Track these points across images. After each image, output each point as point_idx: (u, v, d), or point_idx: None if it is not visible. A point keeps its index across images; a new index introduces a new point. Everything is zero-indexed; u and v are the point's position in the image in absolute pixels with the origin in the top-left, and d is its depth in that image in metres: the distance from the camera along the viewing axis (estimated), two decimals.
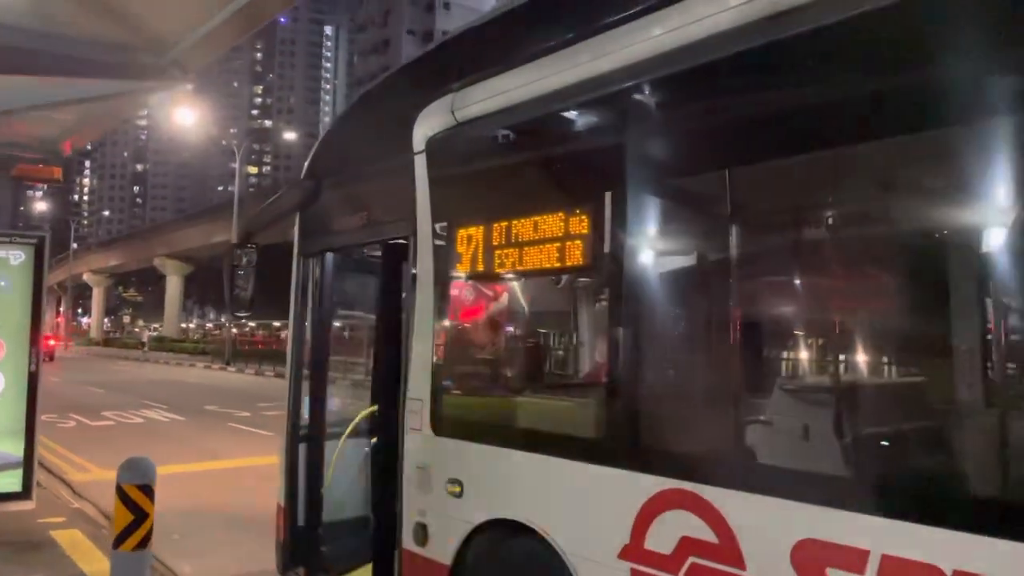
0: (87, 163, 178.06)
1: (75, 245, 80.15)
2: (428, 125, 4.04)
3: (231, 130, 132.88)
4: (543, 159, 3.61)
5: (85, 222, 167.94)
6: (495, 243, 3.66)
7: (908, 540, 2.18)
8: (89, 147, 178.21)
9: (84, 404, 18.09)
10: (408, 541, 3.94)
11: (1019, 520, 2.08)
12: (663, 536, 2.83)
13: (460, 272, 3.86)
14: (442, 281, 3.94)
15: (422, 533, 3.86)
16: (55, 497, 7.87)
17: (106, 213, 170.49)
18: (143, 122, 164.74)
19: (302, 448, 5.03)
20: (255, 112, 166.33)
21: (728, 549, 2.62)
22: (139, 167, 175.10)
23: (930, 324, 2.85)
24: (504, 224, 3.59)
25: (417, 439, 3.92)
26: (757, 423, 3.02)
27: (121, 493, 3.81)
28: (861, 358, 2.99)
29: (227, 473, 10.23)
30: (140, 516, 3.81)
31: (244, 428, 14.75)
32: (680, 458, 2.91)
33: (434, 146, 4.02)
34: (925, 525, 2.16)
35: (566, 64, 3.36)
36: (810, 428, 2.84)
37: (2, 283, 5.90)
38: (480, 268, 3.72)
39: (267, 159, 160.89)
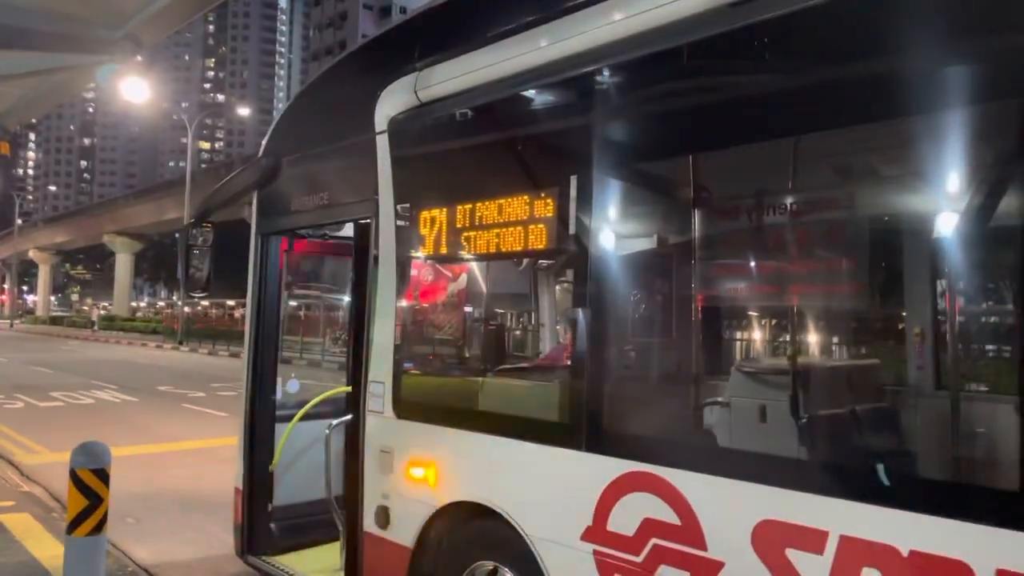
0: (31, 136, 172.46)
1: (20, 221, 77.71)
2: (390, 104, 4.00)
3: (182, 104, 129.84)
4: (506, 140, 3.58)
5: (30, 197, 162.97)
6: (456, 225, 3.63)
7: (866, 521, 2.20)
8: (34, 120, 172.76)
9: (32, 384, 17.67)
10: (370, 524, 3.92)
11: (975, 500, 2.12)
12: (625, 518, 2.82)
13: (421, 253, 3.84)
14: (403, 262, 3.92)
15: (384, 516, 3.84)
16: (3, 480, 7.69)
17: (52, 188, 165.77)
18: (91, 94, 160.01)
19: (259, 430, 5.02)
20: (207, 86, 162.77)
21: (690, 530, 2.63)
22: (87, 141, 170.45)
23: (879, 311, 2.94)
24: (466, 206, 3.57)
25: (378, 422, 3.91)
26: (716, 406, 3.05)
27: (75, 478, 3.73)
28: (816, 341, 3.06)
29: (182, 455, 10.07)
30: (95, 501, 3.74)
31: (198, 409, 14.54)
32: (642, 441, 2.92)
33: (396, 126, 3.98)
34: (882, 506, 2.18)
35: (530, 46, 3.34)
36: (767, 410, 2.89)
37: None
38: (442, 250, 3.71)
39: (220, 134, 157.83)
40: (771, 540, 2.41)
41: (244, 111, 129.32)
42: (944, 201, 2.61)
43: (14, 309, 75.68)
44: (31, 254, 78.57)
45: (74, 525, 3.73)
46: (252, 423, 5.03)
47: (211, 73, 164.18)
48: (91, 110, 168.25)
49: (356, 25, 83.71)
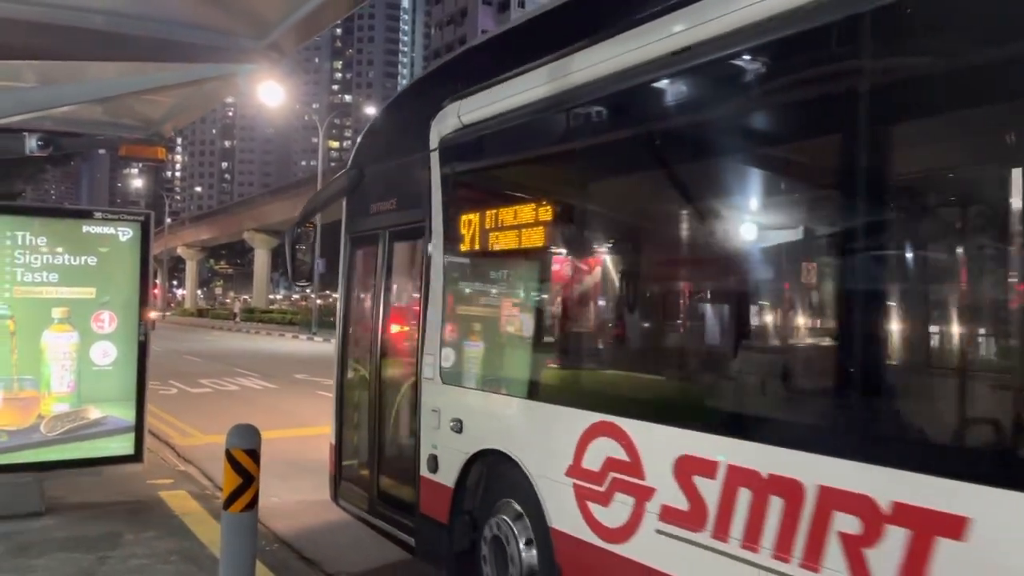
0: (179, 140, 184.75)
1: (169, 220, 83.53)
2: (441, 126, 4.86)
3: (313, 105, 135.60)
4: (527, 156, 4.32)
5: (178, 197, 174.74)
6: (488, 226, 4.51)
7: (746, 454, 2.91)
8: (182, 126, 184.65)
9: (183, 372, 18.99)
10: (424, 470, 4.83)
11: (803, 433, 2.80)
12: (593, 457, 3.61)
13: (462, 250, 4.73)
14: (449, 258, 4.81)
15: (433, 463, 4.74)
16: (162, 460, 8.33)
17: (198, 189, 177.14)
18: (231, 100, 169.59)
19: (348, 398, 6.08)
20: (335, 87, 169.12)
21: (635, 465, 3.41)
22: (227, 143, 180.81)
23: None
24: (497, 211, 4.43)
25: (430, 387, 4.83)
26: (656, 369, 3.84)
27: (230, 457, 3.99)
28: (713, 309, 3.75)
29: (320, 439, 10.57)
30: (248, 479, 3.99)
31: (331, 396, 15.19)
32: (604, 397, 3.74)
33: (445, 143, 4.83)
34: (757, 443, 2.88)
35: (537, 80, 4.07)
36: (686, 371, 3.71)
37: (104, 250, 6.22)
38: (477, 247, 4.61)
39: (348, 133, 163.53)
40: (684, 470, 3.17)
41: (370, 110, 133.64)
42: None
43: (165, 302, 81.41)
44: (179, 251, 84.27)
45: (230, 502, 3.99)
46: (342, 392, 6.12)
47: (339, 75, 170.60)
48: (231, 114, 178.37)
49: (476, 21, 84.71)
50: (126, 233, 6.28)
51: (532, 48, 4.28)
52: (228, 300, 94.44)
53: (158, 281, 74.52)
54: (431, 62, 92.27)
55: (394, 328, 5.64)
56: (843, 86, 2.74)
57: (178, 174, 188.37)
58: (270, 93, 29.71)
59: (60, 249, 6.05)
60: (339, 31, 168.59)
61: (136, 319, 6.31)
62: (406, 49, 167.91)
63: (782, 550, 2.73)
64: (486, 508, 4.43)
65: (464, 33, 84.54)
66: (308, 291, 53.88)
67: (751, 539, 2.85)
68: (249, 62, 3.88)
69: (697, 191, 3.57)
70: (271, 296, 71.44)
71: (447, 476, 4.60)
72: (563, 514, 3.79)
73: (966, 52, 2.46)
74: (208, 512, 6.11)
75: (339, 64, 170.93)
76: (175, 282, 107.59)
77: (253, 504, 4.03)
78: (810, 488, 2.65)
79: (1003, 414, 2.42)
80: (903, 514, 2.39)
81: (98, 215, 6.27)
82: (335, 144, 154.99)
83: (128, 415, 6.28)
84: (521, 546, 4.10)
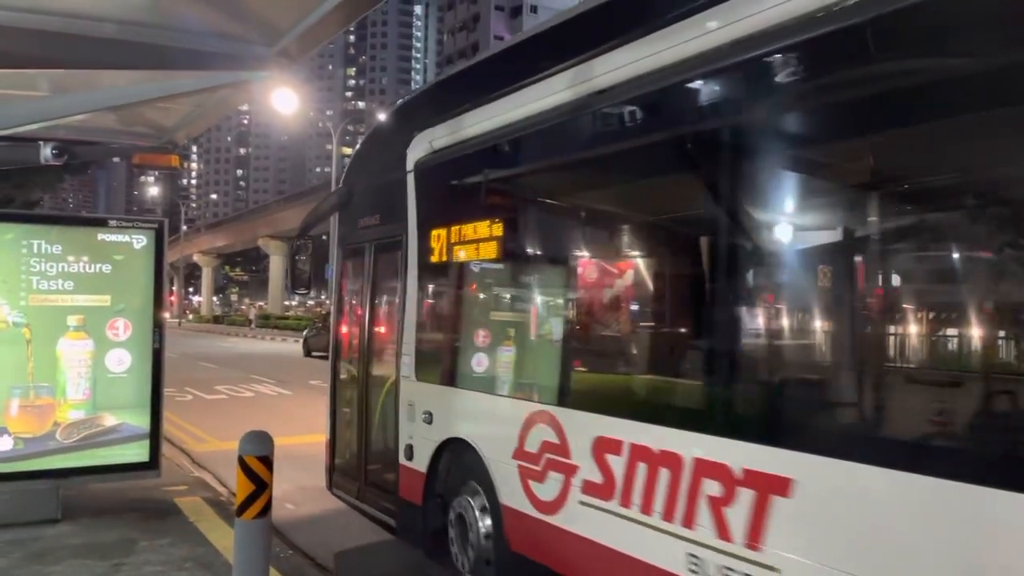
0: (194, 148, 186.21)
1: (185, 227, 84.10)
2: (415, 151, 5.57)
3: (327, 112, 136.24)
4: (482, 179, 4.76)
5: (194, 205, 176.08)
6: (453, 240, 5.15)
7: (648, 434, 3.53)
8: (197, 134, 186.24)
9: (199, 379, 19.08)
10: (402, 458, 5.50)
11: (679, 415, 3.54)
12: (533, 442, 4.26)
13: (432, 261, 5.38)
14: (422, 268, 5.51)
15: (410, 452, 5.43)
16: (177, 466, 8.35)
17: (213, 196, 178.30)
18: (245, 107, 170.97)
19: (341, 395, 6.79)
20: (349, 94, 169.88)
21: (563, 446, 4.04)
22: (242, 151, 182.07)
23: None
24: (460, 226, 5.06)
25: (407, 384, 5.52)
26: (579, 363, 4.45)
27: (243, 464, 4.00)
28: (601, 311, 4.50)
29: None
30: (261, 486, 4.00)
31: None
32: (540, 389, 4.47)
33: (419, 166, 5.55)
34: (651, 424, 3.54)
35: (492, 112, 4.72)
36: (603, 364, 4.52)
37: (119, 257, 6.26)
38: (445, 259, 5.27)
39: (361, 139, 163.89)
40: (599, 449, 3.78)
41: (383, 116, 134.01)
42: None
43: (182, 309, 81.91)
44: (195, 258, 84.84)
45: (242, 508, 3.99)
46: (335, 389, 6.84)
47: (352, 81, 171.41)
48: (245, 122, 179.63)
49: (488, 27, 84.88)
50: (140, 240, 6.31)
51: (487, 85, 4.97)
52: (244, 307, 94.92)
53: (174, 288, 75.08)
54: (442, 70, 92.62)
55: (379, 331, 6.26)
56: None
57: (194, 182, 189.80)
58: (284, 100, 29.95)
59: (75, 257, 6.08)
60: (352, 38, 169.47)
61: (151, 327, 6.33)
62: (419, 55, 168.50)
63: (668, 513, 3.40)
64: (453, 490, 5.07)
65: (476, 39, 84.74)
66: (323, 298, 54.06)
67: (646, 505, 3.51)
68: (260, 69, 3.89)
69: (603, 212, 4.71)
70: (286, 302, 71.77)
71: (421, 463, 5.26)
72: (510, 491, 4.44)
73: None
74: (223, 518, 6.12)
75: (352, 71, 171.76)
76: (191, 289, 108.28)
77: (266, 511, 4.03)
78: (687, 460, 3.32)
79: (813, 394, 3.22)
80: (750, 477, 3.03)
81: (113, 223, 6.30)
82: (348, 150, 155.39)
83: (143, 422, 6.30)
84: (479, 522, 4.77)
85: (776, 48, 2.96)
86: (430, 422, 5.16)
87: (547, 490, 4.11)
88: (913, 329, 3.37)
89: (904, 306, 3.43)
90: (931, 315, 3.35)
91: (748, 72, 3.14)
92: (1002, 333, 2.99)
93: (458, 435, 4.91)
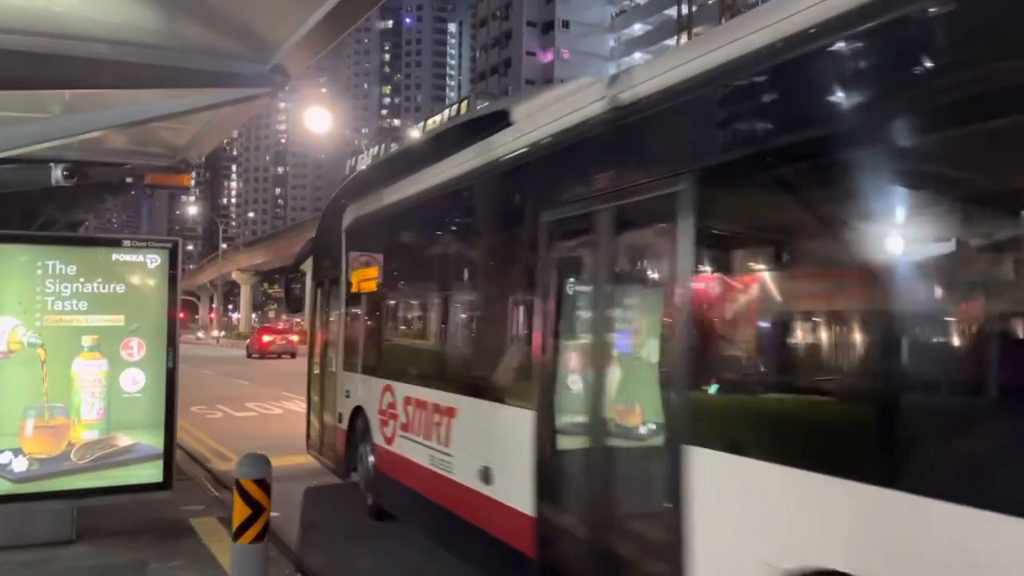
0: (233, 168, 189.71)
1: (224, 245, 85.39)
2: (348, 217, 8.23)
3: (363, 130, 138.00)
4: (389, 241, 7.50)
5: (233, 223, 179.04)
6: (362, 278, 7.70)
7: (419, 393, 6.21)
8: (235, 152, 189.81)
9: (230, 396, 19.22)
10: (337, 423, 8.27)
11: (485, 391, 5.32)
12: (385, 403, 6.83)
13: (352, 291, 7.99)
14: (348, 296, 8.19)
15: (340, 418, 8.15)
16: (197, 486, 8.35)
17: (251, 215, 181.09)
18: (282, 127, 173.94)
19: (313, 384, 9.82)
20: (384, 112, 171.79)
21: (394, 404, 6.61)
22: (280, 170, 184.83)
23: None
24: (364, 269, 7.63)
25: (340, 373, 8.37)
26: (402, 355, 7.22)
27: (239, 488, 3.93)
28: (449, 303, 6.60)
29: None
30: (257, 510, 3.92)
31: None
32: (388, 371, 7.01)
33: (349, 227, 8.22)
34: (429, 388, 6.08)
35: (387, 195, 7.28)
36: (411, 357, 7.06)
37: (133, 277, 6.28)
38: (358, 290, 7.85)
39: None
40: (406, 403, 6.37)
41: (417, 134, 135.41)
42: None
43: (221, 325, 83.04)
44: (233, 275, 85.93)
45: (239, 533, 3.92)
46: (310, 380, 9.96)
47: (387, 99, 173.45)
48: (283, 141, 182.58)
49: (520, 43, 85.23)
50: (155, 260, 6.32)
51: (381, 177, 7.67)
52: (281, 324, 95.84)
53: (213, 305, 75.82)
54: (474, 87, 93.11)
55: (331, 339, 9.12)
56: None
57: (233, 200, 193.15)
58: (316, 119, 30.27)
59: (89, 277, 6.11)
60: (387, 56, 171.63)
61: (165, 346, 6.33)
62: (453, 72, 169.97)
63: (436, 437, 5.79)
64: (361, 439, 7.66)
65: (509, 55, 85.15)
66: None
67: (427, 434, 5.92)
68: (256, 86, 3.86)
69: (447, 271, 6.65)
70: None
71: (344, 424, 8.00)
72: (377, 434, 7.05)
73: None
74: None
75: (388, 89, 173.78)
76: (230, 306, 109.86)
77: (263, 535, 3.96)
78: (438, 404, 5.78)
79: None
80: (448, 409, 5.56)
81: (127, 243, 6.33)
82: None
83: (157, 442, 6.28)
84: (368, 456, 7.38)
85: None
86: (348, 396, 8.01)
87: (388, 430, 6.78)
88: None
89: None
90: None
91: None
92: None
93: (359, 403, 7.65)
